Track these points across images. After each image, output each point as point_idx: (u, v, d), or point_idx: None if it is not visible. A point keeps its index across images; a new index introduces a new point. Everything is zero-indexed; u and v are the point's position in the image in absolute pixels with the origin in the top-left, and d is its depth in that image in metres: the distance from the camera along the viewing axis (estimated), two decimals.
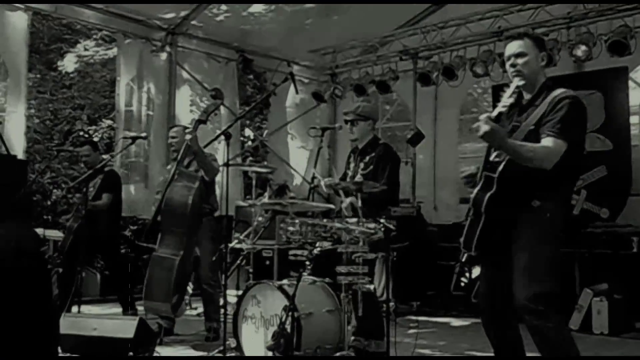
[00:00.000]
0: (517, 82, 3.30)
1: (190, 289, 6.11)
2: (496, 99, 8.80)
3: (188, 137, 5.44)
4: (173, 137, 5.93)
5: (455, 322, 7.17)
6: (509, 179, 3.12)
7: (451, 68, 8.58)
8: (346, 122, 5.16)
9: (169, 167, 6.24)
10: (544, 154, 3.07)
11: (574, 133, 3.11)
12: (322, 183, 5.06)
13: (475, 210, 3.22)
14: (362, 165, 5.05)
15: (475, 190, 3.23)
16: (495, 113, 2.99)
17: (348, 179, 5.09)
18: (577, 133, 3.17)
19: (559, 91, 3.21)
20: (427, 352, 5.31)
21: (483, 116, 2.98)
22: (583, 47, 7.34)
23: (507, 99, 3.06)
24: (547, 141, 3.08)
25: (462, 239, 3.33)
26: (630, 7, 7.18)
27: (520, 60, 3.30)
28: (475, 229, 3.22)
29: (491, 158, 3.26)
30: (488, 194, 3.15)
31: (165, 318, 5.55)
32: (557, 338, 3.03)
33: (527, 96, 3.36)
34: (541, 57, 3.35)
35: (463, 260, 3.48)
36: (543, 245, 3.11)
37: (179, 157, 5.61)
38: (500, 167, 3.14)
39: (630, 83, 7.90)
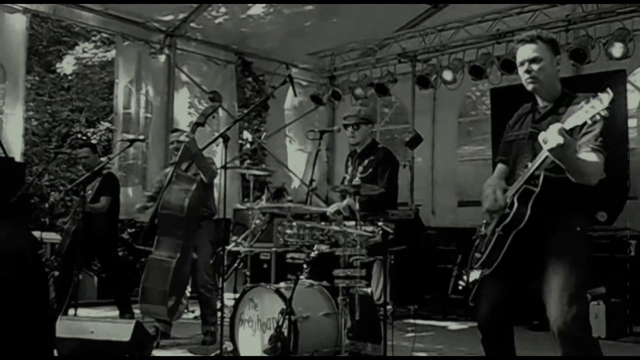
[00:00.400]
0: (531, 88, 3.16)
1: (187, 292, 6.11)
2: (495, 101, 8.86)
3: (186, 139, 5.44)
4: (178, 142, 5.91)
5: (453, 325, 7.16)
6: (549, 195, 2.96)
7: (450, 70, 8.59)
8: (345, 126, 5.14)
9: (167, 170, 6.23)
10: (597, 170, 2.91)
11: (607, 147, 2.96)
12: (328, 212, 5.00)
13: (507, 224, 3.02)
14: (360, 168, 5.05)
15: (514, 209, 3.00)
16: (569, 125, 2.73)
17: (346, 182, 5.09)
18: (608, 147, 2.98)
19: (583, 101, 2.95)
20: (424, 355, 5.29)
21: (556, 126, 2.72)
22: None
23: (584, 114, 2.71)
24: (594, 156, 2.90)
25: (480, 256, 3.17)
26: (629, 10, 7.19)
27: (535, 66, 3.11)
28: (502, 248, 3.04)
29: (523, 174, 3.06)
30: (528, 211, 2.96)
31: (162, 321, 5.53)
32: None
33: (542, 103, 3.21)
34: (556, 61, 3.17)
35: (472, 279, 3.25)
36: (580, 264, 2.99)
37: (176, 159, 5.60)
38: (540, 182, 2.96)
39: (629, 86, 7.91)
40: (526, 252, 3.05)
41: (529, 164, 3.02)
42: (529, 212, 2.96)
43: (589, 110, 2.66)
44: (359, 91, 9.45)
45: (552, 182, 2.95)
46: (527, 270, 3.10)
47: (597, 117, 2.65)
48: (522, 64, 3.17)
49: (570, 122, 2.73)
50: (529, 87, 3.18)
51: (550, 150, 2.75)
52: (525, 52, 3.16)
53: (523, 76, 3.18)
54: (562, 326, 2.89)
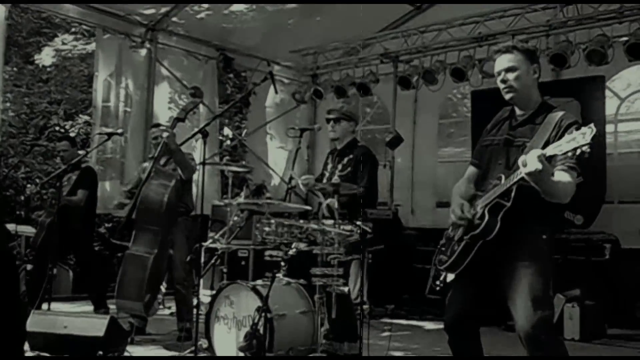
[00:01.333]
0: (508, 98, 3.21)
1: (163, 288, 6.06)
2: (475, 104, 8.91)
3: (165, 134, 5.40)
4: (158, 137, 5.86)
5: (430, 325, 7.19)
6: (518, 207, 3.00)
7: (431, 72, 8.62)
8: (328, 121, 5.16)
9: (144, 164, 6.17)
10: (569, 190, 2.96)
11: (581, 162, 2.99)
12: (300, 181, 5.06)
13: (476, 235, 3.06)
14: (340, 166, 5.05)
15: (484, 221, 3.03)
16: (550, 153, 2.76)
17: (325, 180, 5.08)
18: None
19: (560, 113, 3.10)
20: (400, 354, 5.31)
21: (536, 152, 2.74)
22: None
23: (566, 145, 2.70)
24: (567, 176, 2.94)
25: (446, 260, 3.22)
26: (609, 17, 7.27)
27: (511, 75, 3.17)
28: (468, 255, 3.11)
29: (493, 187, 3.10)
30: (497, 224, 3.00)
31: (137, 317, 5.48)
32: None
33: (519, 111, 3.25)
34: (533, 70, 3.21)
35: (439, 282, 3.29)
36: (545, 269, 3.04)
37: (155, 154, 5.55)
38: (512, 197, 2.99)
39: (607, 92, 8.00)
40: (492, 259, 3.09)
41: (503, 177, 3.05)
42: (499, 225, 3.01)
43: (571, 142, 2.69)
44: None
45: (522, 195, 2.98)
46: (493, 276, 3.14)
47: (578, 151, 2.68)
48: (499, 73, 3.23)
49: (551, 151, 2.77)
50: (507, 97, 3.23)
51: (528, 174, 2.79)
52: (501, 62, 3.22)
53: (500, 86, 3.23)
54: (529, 330, 2.94)
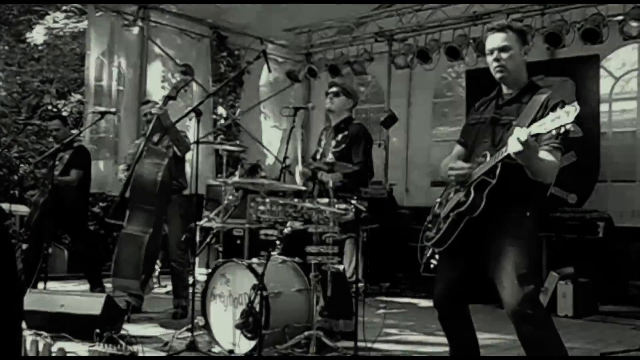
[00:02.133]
0: (498, 77, 3.21)
1: (158, 266, 6.07)
2: (470, 83, 8.90)
3: (159, 111, 5.38)
4: (149, 114, 5.82)
5: (424, 302, 7.24)
6: (503, 184, 3.02)
7: (426, 51, 8.58)
8: (327, 94, 5.15)
9: (137, 141, 6.14)
10: (553, 170, 3.01)
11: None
12: (298, 171, 5.03)
13: (462, 212, 3.08)
14: (334, 142, 5.04)
15: (470, 198, 3.05)
16: (534, 131, 2.78)
17: (319, 156, 5.08)
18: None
19: (547, 93, 3.11)
20: (394, 331, 5.35)
21: (521, 130, 2.79)
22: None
23: (550, 123, 2.72)
24: (551, 156, 2.98)
25: (433, 235, 3.24)
26: None
27: (504, 55, 3.16)
28: (454, 231, 3.13)
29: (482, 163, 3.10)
30: (483, 201, 3.03)
31: (133, 295, 5.50)
32: (549, 346, 3.01)
33: (506, 91, 3.26)
34: (524, 51, 3.22)
35: (427, 256, 3.33)
36: (529, 246, 3.07)
37: (147, 132, 5.53)
38: (497, 174, 3.02)
39: (602, 71, 8.00)
40: (478, 236, 3.13)
41: (488, 154, 3.08)
42: (484, 202, 3.04)
43: (555, 120, 2.71)
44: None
45: (507, 173, 3.01)
46: (479, 252, 3.18)
47: (562, 129, 2.70)
48: (491, 52, 3.22)
49: (536, 129, 2.79)
50: (497, 76, 3.23)
51: (515, 153, 2.82)
52: (494, 40, 3.21)
53: (492, 64, 3.23)
54: (516, 307, 2.97)
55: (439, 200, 3.37)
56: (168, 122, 5.40)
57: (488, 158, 3.07)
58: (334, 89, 5.11)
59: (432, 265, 3.49)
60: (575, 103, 2.68)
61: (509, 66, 3.17)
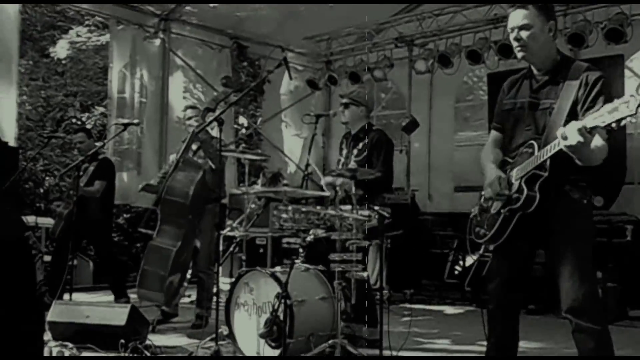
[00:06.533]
0: (520, 57, 3.08)
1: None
2: (492, 86, 8.82)
3: (195, 123, 5.41)
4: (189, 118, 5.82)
5: (449, 310, 7.17)
6: (555, 174, 2.93)
7: (446, 55, 8.54)
8: (340, 105, 5.13)
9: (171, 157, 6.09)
10: (603, 154, 2.86)
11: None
12: (323, 182, 5.00)
13: (515, 209, 2.99)
14: (355, 151, 5.01)
15: (524, 194, 2.95)
16: (591, 124, 2.65)
17: (341, 166, 5.05)
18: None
19: (583, 68, 2.96)
20: (420, 339, 5.30)
21: (577, 124, 2.66)
22: None
23: (608, 116, 2.60)
24: (600, 140, 2.81)
25: (486, 234, 3.14)
26: None
27: (524, 33, 3.00)
28: (507, 226, 3.03)
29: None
30: (537, 196, 2.93)
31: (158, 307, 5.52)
32: (600, 346, 2.91)
33: (537, 71, 3.12)
34: (549, 27, 3.03)
35: (468, 264, 3.23)
36: (587, 239, 2.99)
37: (184, 145, 5.54)
38: (547, 166, 2.92)
39: (626, 71, 7.88)
40: (532, 230, 3.02)
41: (535, 145, 2.96)
42: (538, 196, 2.94)
43: (613, 112, 2.58)
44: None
45: (557, 163, 2.90)
46: (531, 249, 3.11)
47: (623, 122, 2.58)
48: (512, 30, 3.08)
49: (592, 121, 2.66)
50: (519, 55, 3.10)
51: (569, 147, 2.72)
52: (515, 18, 3.06)
53: (513, 44, 3.10)
54: (573, 303, 2.88)
55: (483, 194, 3.23)
56: (204, 136, 5.41)
57: (536, 149, 2.95)
58: (342, 101, 5.08)
59: (456, 272, 3.44)
60: (635, 92, 2.54)
61: (531, 45, 3.02)
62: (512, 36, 3.09)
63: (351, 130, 5.13)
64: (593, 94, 2.90)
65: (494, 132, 3.37)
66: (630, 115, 2.53)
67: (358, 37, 9.90)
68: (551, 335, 5.20)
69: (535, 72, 3.14)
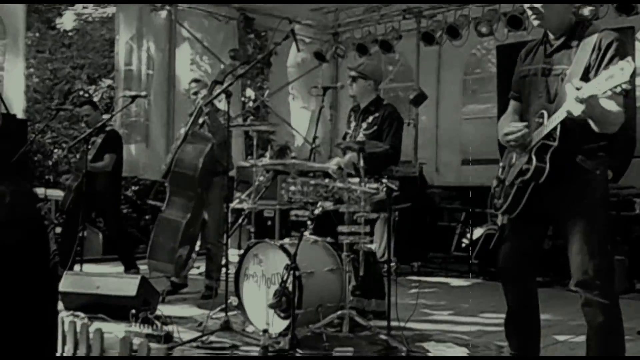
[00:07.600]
0: (536, 24, 3.02)
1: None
2: (501, 59, 8.74)
3: (202, 95, 5.41)
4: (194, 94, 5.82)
5: (456, 282, 7.20)
6: (566, 143, 2.88)
7: (455, 27, 8.46)
8: (348, 77, 5.11)
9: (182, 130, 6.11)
10: (619, 119, 2.81)
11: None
12: (331, 169, 4.96)
13: (527, 180, 2.96)
14: (364, 125, 4.99)
15: (533, 164, 2.92)
16: (588, 93, 2.62)
17: (349, 138, 5.04)
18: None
19: (597, 32, 2.89)
20: (427, 311, 5.34)
21: (575, 93, 2.65)
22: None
23: (605, 83, 2.55)
24: (616, 101, 2.76)
25: (502, 204, 3.12)
26: None
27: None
28: (522, 197, 3.01)
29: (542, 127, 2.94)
30: (547, 166, 2.89)
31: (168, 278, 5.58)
32: (609, 321, 2.93)
33: (552, 36, 3.05)
34: None
35: (476, 236, 3.20)
36: (600, 212, 2.93)
37: (192, 118, 5.54)
38: (557, 135, 2.87)
39: (637, 44, 7.79)
40: (546, 201, 3.00)
41: (545, 114, 2.92)
42: (548, 166, 2.90)
43: (609, 80, 2.55)
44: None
45: (568, 131, 2.86)
46: (545, 220, 3.10)
47: (618, 89, 2.54)
48: None
49: (589, 90, 2.63)
50: (534, 23, 3.05)
51: (577, 117, 2.70)
52: None
53: (528, 12, 3.05)
54: (583, 277, 2.86)
55: (501, 164, 3.22)
56: (209, 108, 5.41)
57: (545, 119, 2.91)
58: (350, 74, 5.05)
59: (463, 245, 3.44)
60: (630, 58, 2.51)
61: (545, 11, 2.95)
62: (526, 5, 3.04)
63: (360, 104, 5.11)
64: (607, 57, 2.82)
65: (512, 102, 3.31)
66: (624, 83, 2.51)
67: (365, 9, 9.80)
68: (561, 307, 5.22)
69: (550, 36, 3.09)
